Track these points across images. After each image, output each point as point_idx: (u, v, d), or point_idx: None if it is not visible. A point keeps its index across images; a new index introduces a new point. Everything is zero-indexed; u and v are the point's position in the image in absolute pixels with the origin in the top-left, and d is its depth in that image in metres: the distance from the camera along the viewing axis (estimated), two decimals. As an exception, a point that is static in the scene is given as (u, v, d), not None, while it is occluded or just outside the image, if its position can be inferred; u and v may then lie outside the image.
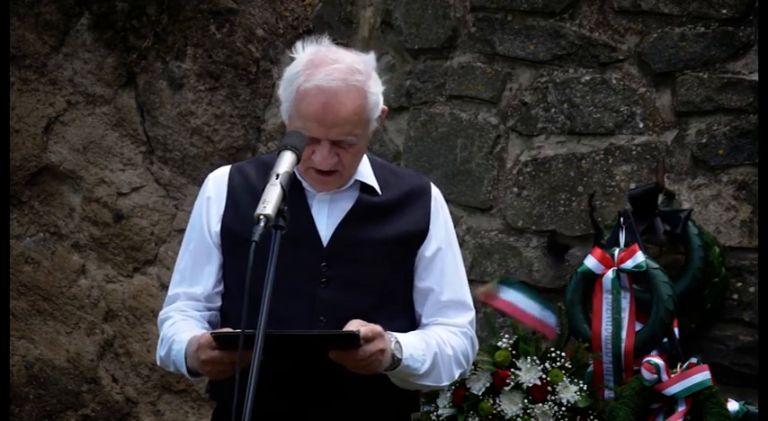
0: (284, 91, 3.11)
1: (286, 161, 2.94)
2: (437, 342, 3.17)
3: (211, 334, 2.97)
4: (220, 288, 3.24)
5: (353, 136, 3.07)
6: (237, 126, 5.72)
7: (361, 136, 3.10)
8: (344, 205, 3.18)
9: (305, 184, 3.17)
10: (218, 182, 3.26)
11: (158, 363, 3.26)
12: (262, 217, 2.80)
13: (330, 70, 3.05)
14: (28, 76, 5.89)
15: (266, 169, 3.01)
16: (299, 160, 2.99)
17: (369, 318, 3.02)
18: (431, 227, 3.23)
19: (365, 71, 3.10)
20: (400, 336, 3.08)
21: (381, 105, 3.14)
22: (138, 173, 5.82)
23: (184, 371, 3.13)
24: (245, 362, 2.75)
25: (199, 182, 5.69)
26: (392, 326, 3.09)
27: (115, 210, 5.84)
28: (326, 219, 3.17)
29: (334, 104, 3.03)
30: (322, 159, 3.07)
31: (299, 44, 3.14)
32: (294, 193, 3.11)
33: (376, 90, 3.11)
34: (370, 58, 3.14)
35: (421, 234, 3.22)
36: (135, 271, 5.86)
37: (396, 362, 3.05)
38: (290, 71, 3.11)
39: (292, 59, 3.13)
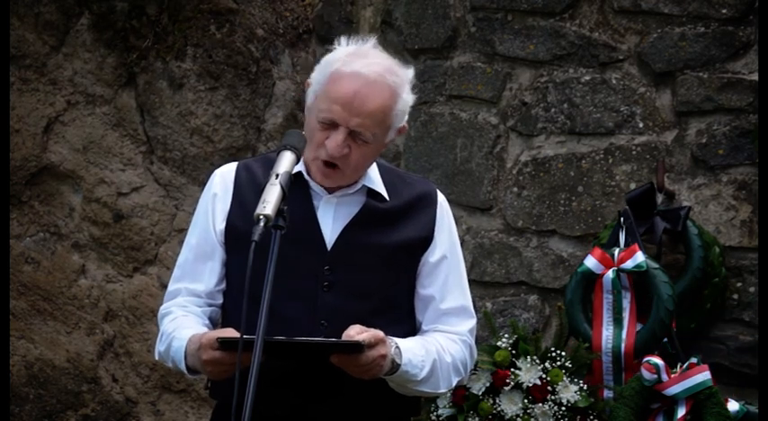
0: (318, 73, 3.11)
1: (286, 161, 2.93)
2: (436, 349, 3.16)
3: (217, 339, 2.96)
4: (223, 285, 3.24)
5: (371, 133, 3.07)
6: (237, 126, 5.72)
7: (377, 137, 3.09)
8: (351, 209, 3.17)
9: (312, 185, 3.17)
10: (224, 178, 3.24)
11: (157, 358, 3.26)
12: (261, 217, 2.81)
13: (371, 63, 3.07)
14: (28, 76, 5.88)
15: (272, 167, 3.00)
16: (298, 160, 2.99)
17: (370, 323, 3.02)
18: (435, 234, 3.22)
19: (402, 77, 3.12)
20: (400, 342, 3.08)
21: (406, 119, 3.15)
22: (138, 173, 5.82)
23: (183, 368, 3.12)
24: (245, 364, 2.75)
25: (199, 182, 5.70)
26: (393, 332, 3.09)
27: (115, 210, 5.84)
28: (332, 222, 3.16)
29: (366, 94, 3.04)
30: (335, 145, 3.05)
31: (342, 38, 3.15)
32: (301, 195, 3.12)
33: (407, 98, 3.13)
34: (409, 70, 3.16)
35: (425, 241, 3.21)
36: (135, 271, 5.86)
37: (395, 367, 3.05)
38: (328, 57, 3.12)
39: (330, 50, 3.14)
